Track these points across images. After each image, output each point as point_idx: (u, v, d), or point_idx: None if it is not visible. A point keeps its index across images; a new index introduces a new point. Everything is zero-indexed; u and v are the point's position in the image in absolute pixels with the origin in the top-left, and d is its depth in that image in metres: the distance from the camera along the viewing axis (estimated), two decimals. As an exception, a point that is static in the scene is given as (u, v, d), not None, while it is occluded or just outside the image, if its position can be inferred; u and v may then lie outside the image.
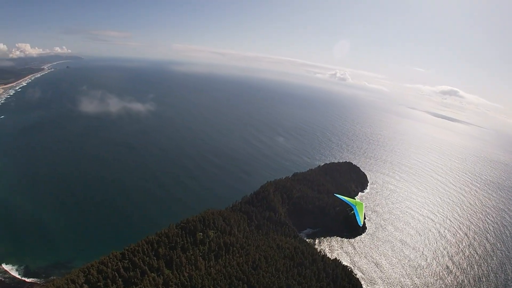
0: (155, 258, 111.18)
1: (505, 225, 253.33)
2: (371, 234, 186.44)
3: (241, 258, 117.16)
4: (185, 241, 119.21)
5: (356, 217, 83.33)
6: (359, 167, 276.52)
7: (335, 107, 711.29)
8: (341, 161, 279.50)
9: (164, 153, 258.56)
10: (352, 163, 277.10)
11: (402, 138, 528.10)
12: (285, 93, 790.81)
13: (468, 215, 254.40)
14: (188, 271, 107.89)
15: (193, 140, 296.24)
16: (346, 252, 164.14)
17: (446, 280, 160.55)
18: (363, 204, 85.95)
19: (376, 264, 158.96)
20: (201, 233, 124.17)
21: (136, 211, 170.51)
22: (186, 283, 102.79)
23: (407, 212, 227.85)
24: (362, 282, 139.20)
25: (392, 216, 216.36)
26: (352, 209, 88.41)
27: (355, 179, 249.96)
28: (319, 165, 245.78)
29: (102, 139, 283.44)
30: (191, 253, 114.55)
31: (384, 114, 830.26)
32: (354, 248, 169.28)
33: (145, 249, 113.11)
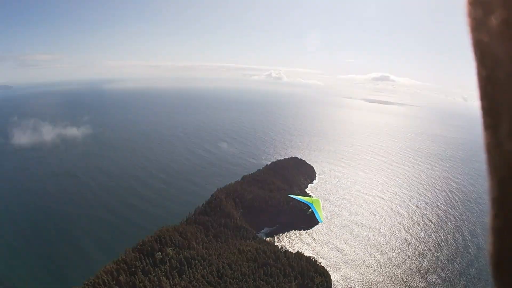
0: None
1: (452, 191, 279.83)
2: (327, 222, 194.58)
3: (204, 270, 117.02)
4: (145, 263, 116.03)
5: (316, 215, 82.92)
6: (304, 160, 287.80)
7: (273, 106, 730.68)
8: (286, 157, 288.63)
9: (108, 176, 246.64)
10: (297, 158, 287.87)
11: (342, 126, 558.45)
12: (223, 98, 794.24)
13: (416, 188, 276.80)
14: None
15: (136, 159, 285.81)
16: (306, 244, 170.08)
17: (407, 252, 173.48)
18: (320, 200, 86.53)
19: (338, 250, 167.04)
20: (159, 253, 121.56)
21: (89, 241, 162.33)
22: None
23: (357, 195, 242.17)
24: (328, 269, 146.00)
25: (345, 201, 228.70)
26: (310, 208, 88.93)
27: (303, 172, 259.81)
28: (266, 165, 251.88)
29: (40, 171, 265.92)
30: (153, 274, 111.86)
31: (321, 106, 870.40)
32: (314, 239, 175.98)
33: (106, 280, 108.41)
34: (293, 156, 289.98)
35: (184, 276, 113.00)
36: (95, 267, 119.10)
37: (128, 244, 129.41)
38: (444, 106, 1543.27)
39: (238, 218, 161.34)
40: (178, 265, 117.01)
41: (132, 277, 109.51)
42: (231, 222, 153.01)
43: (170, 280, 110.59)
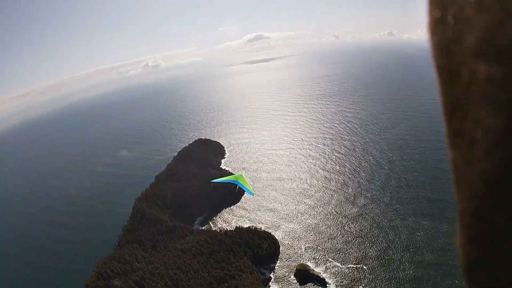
0: None
1: (350, 121, 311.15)
2: (252, 188, 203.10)
3: (158, 285, 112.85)
4: None
5: (245, 190, 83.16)
6: (209, 139, 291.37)
7: (159, 96, 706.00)
8: (190, 141, 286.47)
9: (14, 233, 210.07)
10: (202, 138, 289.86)
11: (231, 94, 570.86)
12: (105, 105, 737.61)
13: (317, 129, 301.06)
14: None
15: (37, 199, 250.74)
16: (241, 217, 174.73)
17: (330, 187, 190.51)
18: (242, 174, 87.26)
19: (271, 210, 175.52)
20: None
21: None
22: None
23: (269, 153, 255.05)
24: (270, 231, 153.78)
25: (259, 164, 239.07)
26: (236, 185, 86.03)
27: (211, 151, 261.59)
28: (174, 156, 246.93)
29: None
30: None
31: (206, 81, 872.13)
32: (245, 209, 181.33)
33: None
34: (196, 139, 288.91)
35: None
36: None
37: None
38: (319, 48, 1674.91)
39: (168, 219, 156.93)
40: None
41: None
42: (162, 226, 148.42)
43: None
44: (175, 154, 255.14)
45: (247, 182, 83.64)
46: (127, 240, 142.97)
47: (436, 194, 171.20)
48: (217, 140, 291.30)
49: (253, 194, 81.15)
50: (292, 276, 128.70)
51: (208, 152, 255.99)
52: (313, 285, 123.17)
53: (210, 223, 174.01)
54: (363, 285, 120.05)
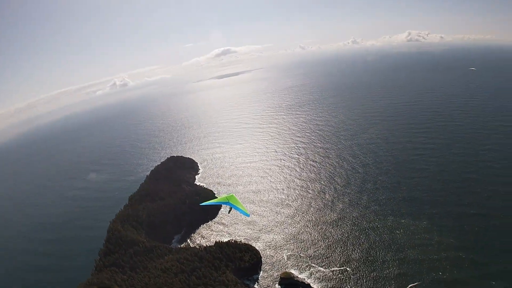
0: None
1: (321, 129, 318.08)
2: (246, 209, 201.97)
3: None
4: None
5: (240, 212, 77.24)
6: (182, 155, 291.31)
7: (128, 115, 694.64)
8: (163, 159, 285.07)
9: None
10: (174, 156, 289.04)
11: (202, 110, 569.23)
12: (72, 127, 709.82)
13: (289, 139, 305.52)
14: None
15: (8, 227, 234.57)
16: (220, 231, 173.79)
17: (308, 196, 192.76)
18: (233, 195, 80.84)
19: (249, 223, 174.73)
20: None
21: None
22: None
23: (243, 167, 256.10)
24: (250, 243, 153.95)
25: (235, 178, 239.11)
26: (230, 207, 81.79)
27: (185, 168, 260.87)
28: (147, 175, 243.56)
29: None
30: None
31: (175, 98, 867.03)
32: (223, 224, 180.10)
33: None
34: (169, 157, 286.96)
35: None
36: None
37: None
38: (286, 60, 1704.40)
39: (145, 240, 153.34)
40: None
41: None
42: (139, 248, 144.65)
43: None
44: (147, 173, 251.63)
45: (239, 202, 79.25)
46: (104, 264, 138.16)
47: (412, 193, 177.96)
48: (189, 157, 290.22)
49: (248, 216, 74.95)
50: (277, 285, 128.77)
51: (181, 169, 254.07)
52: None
53: (189, 240, 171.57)
54: (348, 286, 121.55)
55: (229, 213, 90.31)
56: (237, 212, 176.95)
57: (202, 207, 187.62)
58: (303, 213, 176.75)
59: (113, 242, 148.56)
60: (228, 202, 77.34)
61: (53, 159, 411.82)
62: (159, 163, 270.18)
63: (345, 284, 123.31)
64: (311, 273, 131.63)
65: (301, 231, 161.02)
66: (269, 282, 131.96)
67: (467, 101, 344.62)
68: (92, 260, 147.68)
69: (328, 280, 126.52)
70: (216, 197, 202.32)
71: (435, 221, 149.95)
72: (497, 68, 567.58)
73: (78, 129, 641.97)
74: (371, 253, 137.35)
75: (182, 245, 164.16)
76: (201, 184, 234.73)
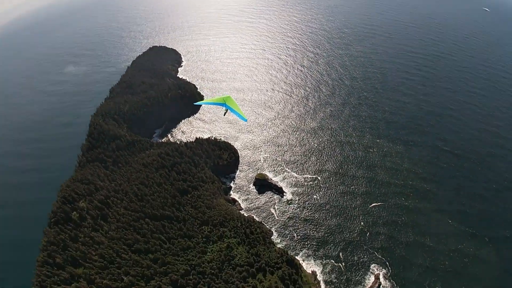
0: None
1: (314, 32, 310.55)
2: (211, 99, 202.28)
3: (124, 202, 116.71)
4: (68, 233, 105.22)
5: (236, 115, 73.04)
6: (165, 46, 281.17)
7: (108, 1, 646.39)
8: (145, 49, 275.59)
9: None
10: (156, 46, 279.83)
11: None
12: (50, 16, 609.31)
13: (280, 37, 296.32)
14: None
15: None
16: (200, 127, 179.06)
17: (291, 100, 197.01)
18: (231, 96, 74.26)
19: (229, 122, 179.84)
20: (74, 212, 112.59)
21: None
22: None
23: (229, 62, 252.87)
24: (229, 142, 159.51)
25: (219, 73, 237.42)
26: (226, 109, 77.49)
27: (168, 59, 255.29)
28: (128, 66, 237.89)
29: None
30: (82, 236, 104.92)
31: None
32: (204, 121, 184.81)
33: (44, 273, 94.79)
34: (151, 46, 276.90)
35: (109, 219, 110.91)
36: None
37: (41, 224, 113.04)
38: None
39: (127, 134, 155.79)
40: (98, 212, 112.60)
41: (66, 251, 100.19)
42: (121, 142, 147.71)
43: (100, 231, 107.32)
44: (129, 64, 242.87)
45: (236, 105, 74.43)
46: (87, 159, 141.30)
47: (393, 116, 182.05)
48: (173, 47, 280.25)
49: (246, 120, 70.18)
50: (252, 185, 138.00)
51: (164, 60, 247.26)
52: (271, 193, 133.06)
53: (169, 135, 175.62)
54: (317, 194, 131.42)
55: (224, 115, 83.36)
56: (218, 110, 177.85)
57: (187, 101, 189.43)
58: (284, 117, 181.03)
59: (95, 136, 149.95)
60: (225, 103, 73.46)
61: (26, 54, 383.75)
62: (141, 53, 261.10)
63: (314, 191, 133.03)
64: (284, 177, 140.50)
65: (279, 135, 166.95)
66: (245, 181, 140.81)
67: (468, 39, 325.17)
68: (74, 157, 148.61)
69: (299, 185, 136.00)
70: (202, 95, 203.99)
71: (409, 148, 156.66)
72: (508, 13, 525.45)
73: (53, 19, 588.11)
74: (344, 167, 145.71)
75: (163, 140, 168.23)
76: (184, 78, 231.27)
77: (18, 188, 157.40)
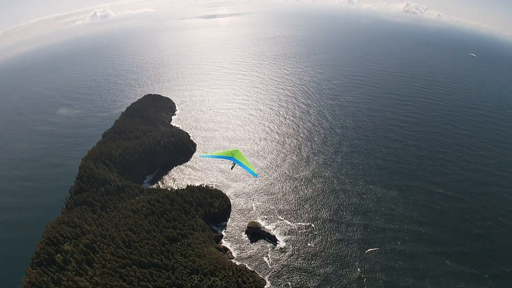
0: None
1: (305, 83, 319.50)
2: (203, 147, 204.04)
3: (111, 247, 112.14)
4: (51, 275, 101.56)
5: (246, 170, 68.42)
6: (160, 94, 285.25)
7: (107, 49, 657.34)
8: (139, 97, 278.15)
9: None
10: (151, 94, 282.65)
11: (184, 49, 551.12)
12: (48, 59, 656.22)
13: (272, 89, 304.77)
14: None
15: None
16: (191, 175, 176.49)
17: (283, 150, 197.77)
18: (239, 150, 71.39)
19: (220, 170, 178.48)
20: (58, 255, 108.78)
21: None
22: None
23: (222, 113, 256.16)
24: (221, 189, 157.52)
25: (213, 123, 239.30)
26: (233, 163, 72.83)
27: (162, 107, 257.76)
28: (122, 112, 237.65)
29: None
30: (65, 279, 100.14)
31: (157, 34, 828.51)
32: (195, 169, 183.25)
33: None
34: (146, 94, 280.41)
35: (94, 264, 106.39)
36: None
37: (23, 264, 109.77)
38: (277, 8, 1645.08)
39: (117, 179, 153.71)
40: (83, 256, 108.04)
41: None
42: (111, 186, 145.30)
43: (85, 275, 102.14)
44: (123, 110, 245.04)
45: (245, 158, 70.85)
46: (75, 202, 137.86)
47: (385, 162, 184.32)
48: (168, 96, 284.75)
49: (257, 176, 65.57)
50: (244, 234, 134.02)
51: (158, 109, 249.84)
52: (264, 242, 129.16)
53: (160, 181, 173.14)
54: (311, 242, 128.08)
55: (232, 169, 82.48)
56: (209, 159, 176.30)
57: (179, 149, 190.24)
58: (276, 166, 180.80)
59: (85, 179, 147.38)
60: (233, 157, 70.59)
61: (23, 92, 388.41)
62: (136, 100, 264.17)
63: (309, 239, 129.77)
64: (277, 225, 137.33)
65: (272, 183, 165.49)
66: (237, 229, 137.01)
67: (454, 83, 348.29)
68: (62, 198, 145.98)
69: (293, 233, 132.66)
70: (194, 143, 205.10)
71: (403, 192, 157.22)
72: (491, 58, 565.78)
73: (52, 61, 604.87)
74: (338, 213, 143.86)
75: (153, 186, 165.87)
76: (178, 126, 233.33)
77: (1, 226, 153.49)
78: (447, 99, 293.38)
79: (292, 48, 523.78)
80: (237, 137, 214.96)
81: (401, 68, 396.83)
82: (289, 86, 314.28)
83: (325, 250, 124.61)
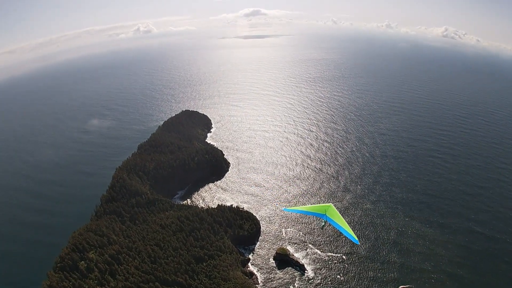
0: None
1: (343, 106, 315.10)
2: (237, 168, 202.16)
3: (135, 261, 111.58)
4: (73, 280, 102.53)
5: (342, 231, 55.42)
6: (197, 111, 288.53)
7: (147, 63, 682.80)
8: (176, 112, 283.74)
9: None
10: (189, 110, 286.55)
11: (223, 68, 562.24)
12: (90, 68, 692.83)
13: (308, 113, 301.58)
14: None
15: (9, 163, 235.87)
16: (223, 195, 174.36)
17: (320, 176, 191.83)
18: (332, 205, 56.81)
19: (255, 195, 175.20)
20: (82, 262, 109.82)
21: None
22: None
23: (257, 135, 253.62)
24: (252, 212, 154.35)
25: (247, 144, 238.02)
26: (324, 221, 58.72)
27: (198, 123, 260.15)
28: (159, 126, 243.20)
29: None
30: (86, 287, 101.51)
31: (197, 52, 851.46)
32: (228, 187, 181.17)
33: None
34: (183, 110, 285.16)
35: (117, 276, 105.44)
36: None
37: (46, 267, 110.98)
38: (316, 31, 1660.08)
39: (148, 192, 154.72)
40: (107, 267, 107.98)
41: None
42: (142, 199, 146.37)
43: (106, 286, 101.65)
44: (160, 124, 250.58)
45: (340, 217, 57.03)
46: (105, 210, 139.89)
47: (425, 196, 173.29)
48: (204, 113, 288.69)
49: (358, 242, 51.46)
50: (271, 259, 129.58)
51: (194, 125, 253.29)
52: (292, 270, 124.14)
53: (191, 198, 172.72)
54: (341, 275, 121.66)
55: (322, 228, 63.32)
56: (242, 181, 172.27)
57: (212, 166, 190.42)
58: (311, 195, 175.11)
59: (117, 189, 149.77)
60: (325, 214, 56.80)
61: (63, 98, 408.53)
62: (173, 115, 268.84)
63: (339, 272, 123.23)
64: (306, 254, 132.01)
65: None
66: (265, 254, 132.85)
67: (494, 112, 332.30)
68: (92, 206, 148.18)
69: (322, 264, 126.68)
70: (228, 162, 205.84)
71: (442, 230, 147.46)
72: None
73: (94, 70, 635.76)
74: (374, 249, 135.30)
75: (184, 202, 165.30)
76: (212, 143, 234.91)
77: (30, 227, 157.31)
78: (488, 129, 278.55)
79: (329, 71, 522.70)
80: (272, 161, 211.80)
81: (440, 95, 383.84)
82: (327, 110, 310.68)
83: (354, 283, 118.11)
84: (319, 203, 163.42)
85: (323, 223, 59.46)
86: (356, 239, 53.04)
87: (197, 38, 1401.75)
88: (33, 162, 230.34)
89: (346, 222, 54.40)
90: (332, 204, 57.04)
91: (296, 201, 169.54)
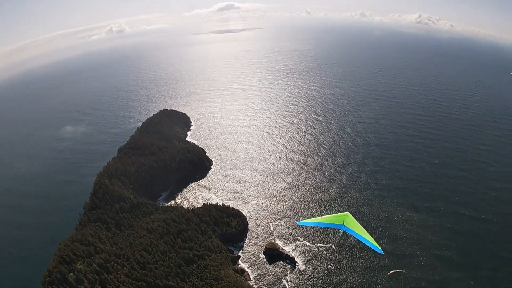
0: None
1: (322, 97, 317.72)
2: (219, 165, 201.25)
3: (125, 268, 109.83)
4: None
5: (363, 241, 52.27)
6: (175, 110, 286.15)
7: (119, 64, 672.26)
8: (155, 112, 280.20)
9: None
10: (167, 109, 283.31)
11: (197, 64, 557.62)
12: (62, 72, 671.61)
13: (286, 105, 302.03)
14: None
15: None
16: (208, 194, 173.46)
17: (304, 168, 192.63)
18: (349, 213, 54.59)
19: (239, 191, 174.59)
20: (71, 274, 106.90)
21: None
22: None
23: (238, 131, 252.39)
24: (238, 208, 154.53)
25: (227, 141, 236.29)
26: (341, 231, 55.69)
27: (177, 122, 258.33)
28: (138, 128, 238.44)
29: None
30: None
31: (172, 49, 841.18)
32: (213, 186, 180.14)
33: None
34: (161, 109, 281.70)
35: (108, 285, 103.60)
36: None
37: (34, 283, 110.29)
38: (290, 23, 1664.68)
39: (132, 196, 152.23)
40: (96, 276, 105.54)
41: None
42: (126, 204, 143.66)
43: None
44: (138, 125, 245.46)
45: (359, 225, 53.97)
46: (89, 219, 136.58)
47: (410, 182, 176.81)
48: (183, 112, 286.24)
49: (381, 252, 47.61)
50: (261, 254, 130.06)
51: (173, 124, 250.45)
52: (283, 263, 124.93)
53: (176, 198, 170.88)
54: (332, 264, 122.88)
55: (339, 238, 55.10)
56: (225, 178, 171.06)
57: (195, 165, 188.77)
58: (297, 187, 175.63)
59: (99, 196, 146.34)
60: (343, 224, 53.61)
61: (37, 106, 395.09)
62: (151, 115, 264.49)
63: (328, 261, 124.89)
64: (296, 246, 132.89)
65: (293, 204, 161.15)
66: (254, 250, 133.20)
67: (471, 95, 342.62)
68: (76, 215, 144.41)
69: (312, 255, 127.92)
70: (210, 159, 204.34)
71: (428, 214, 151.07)
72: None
73: (66, 75, 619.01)
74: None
75: (168, 204, 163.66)
76: (193, 142, 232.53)
77: (14, 243, 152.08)
78: (465, 111, 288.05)
79: (306, 62, 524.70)
80: (255, 156, 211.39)
81: (416, 81, 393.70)
82: (306, 101, 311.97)
83: (347, 273, 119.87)
84: (306, 196, 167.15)
85: (341, 233, 56.68)
86: (379, 248, 51.09)
87: (171, 35, 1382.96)
88: (12, 176, 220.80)
89: (366, 231, 51.88)
90: (348, 213, 54.60)
91: (284, 193, 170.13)
